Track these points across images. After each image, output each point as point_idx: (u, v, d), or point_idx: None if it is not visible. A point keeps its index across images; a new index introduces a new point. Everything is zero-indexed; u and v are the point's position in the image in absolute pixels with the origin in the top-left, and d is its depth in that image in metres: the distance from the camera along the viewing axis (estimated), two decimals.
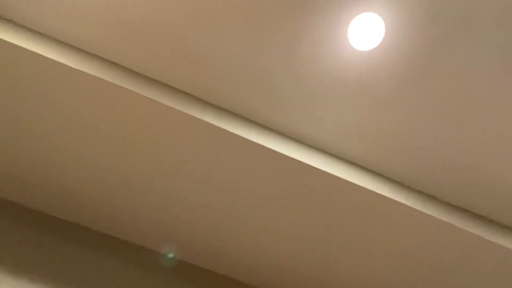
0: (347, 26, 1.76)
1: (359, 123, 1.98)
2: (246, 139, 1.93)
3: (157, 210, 2.20)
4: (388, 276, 2.37)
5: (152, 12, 1.76)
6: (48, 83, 1.84)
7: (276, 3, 1.71)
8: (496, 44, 1.74)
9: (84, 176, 2.11)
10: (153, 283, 2.16)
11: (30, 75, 1.81)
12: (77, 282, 2.00)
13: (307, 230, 2.23)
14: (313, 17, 1.74)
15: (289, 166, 2.00)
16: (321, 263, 2.39)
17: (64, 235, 2.14)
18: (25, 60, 1.77)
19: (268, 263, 2.46)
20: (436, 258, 2.25)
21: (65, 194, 2.16)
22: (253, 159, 1.99)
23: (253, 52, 1.83)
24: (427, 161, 2.05)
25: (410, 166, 2.08)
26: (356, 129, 2.00)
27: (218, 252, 2.43)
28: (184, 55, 1.86)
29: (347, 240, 2.23)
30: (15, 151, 2.07)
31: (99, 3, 1.75)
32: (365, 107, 1.94)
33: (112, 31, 1.81)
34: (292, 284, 2.57)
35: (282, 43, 1.80)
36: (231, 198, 2.13)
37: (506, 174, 2.05)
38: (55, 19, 1.79)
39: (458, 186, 2.11)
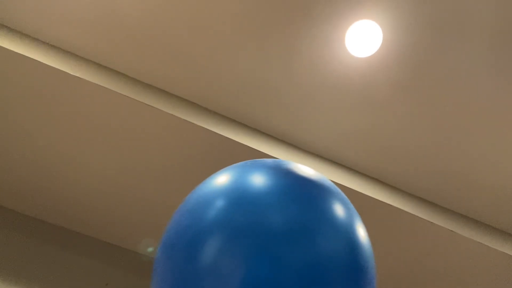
0: (345, 33, 1.77)
1: (357, 129, 1.95)
2: (243, 144, 1.91)
3: (154, 216, 2.19)
4: (383, 281, 2.35)
5: (149, 19, 1.73)
6: (44, 89, 1.79)
7: (274, 10, 1.69)
8: (492, 51, 1.72)
9: (81, 182, 2.08)
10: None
11: (27, 81, 1.77)
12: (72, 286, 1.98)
13: None
14: (311, 24, 1.73)
15: None
16: None
17: (60, 242, 2.11)
18: (22, 66, 1.73)
19: None
20: (433, 263, 2.23)
21: (60, 201, 2.14)
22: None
23: (252, 58, 1.81)
24: (424, 166, 2.02)
25: (407, 171, 2.04)
26: (353, 135, 1.97)
27: None
28: (182, 61, 1.82)
29: None
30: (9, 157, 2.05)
31: (96, 10, 1.71)
32: (362, 112, 1.91)
33: (110, 38, 1.77)
34: None
35: (280, 50, 1.78)
36: None
37: (503, 180, 2.02)
38: (51, 25, 1.76)
39: (456, 191, 2.08)
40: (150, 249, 2.21)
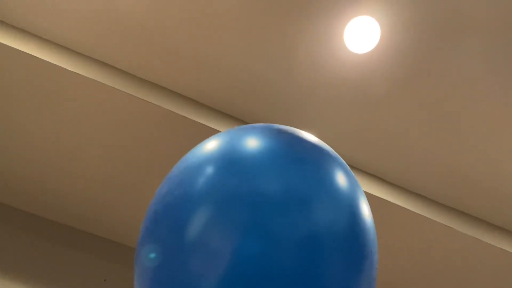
0: (343, 29, 1.77)
1: (355, 125, 1.94)
2: None
3: None
4: (381, 277, 2.35)
5: (148, 16, 1.72)
6: (43, 85, 1.78)
7: (272, 6, 1.68)
8: (491, 47, 1.71)
9: (79, 178, 2.08)
10: None
11: (25, 76, 1.76)
12: (67, 284, 1.97)
13: None
14: (309, 20, 1.70)
15: None
16: None
17: (58, 238, 2.10)
18: (19, 62, 1.73)
19: None
20: (432, 259, 2.19)
21: (53, 195, 2.11)
22: None
23: (251, 55, 1.79)
24: (422, 163, 2.00)
25: (405, 168, 2.03)
26: (351, 131, 1.95)
27: None
28: (181, 58, 1.82)
29: None
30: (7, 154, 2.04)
31: (94, 5, 1.70)
32: (361, 109, 1.90)
33: (107, 34, 1.77)
34: None
35: (278, 46, 1.77)
36: None
37: (501, 177, 2.00)
38: (49, 21, 1.75)
39: (454, 188, 2.06)
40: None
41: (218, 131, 1.89)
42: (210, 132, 1.89)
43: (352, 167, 2.06)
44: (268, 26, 1.74)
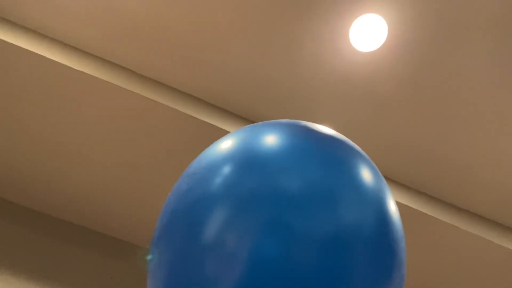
0: (349, 27, 1.76)
1: (361, 124, 1.93)
2: None
3: (160, 210, 2.18)
4: None
5: (153, 14, 1.71)
6: (47, 83, 1.78)
7: (278, 4, 1.67)
8: (499, 45, 1.70)
9: (86, 177, 2.08)
10: None
11: (33, 76, 1.76)
12: (74, 282, 1.97)
13: None
14: (315, 18, 1.69)
15: None
16: None
17: (66, 236, 2.10)
18: (23, 60, 1.73)
19: None
20: (437, 258, 2.19)
21: (61, 193, 2.12)
22: None
23: (255, 53, 1.79)
24: (428, 162, 2.00)
25: (411, 166, 2.02)
26: (356, 129, 1.94)
27: None
28: (185, 57, 1.81)
29: None
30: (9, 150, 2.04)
31: (99, 3, 1.70)
32: (367, 108, 1.89)
33: (114, 33, 1.76)
34: None
35: (284, 44, 1.76)
36: None
37: (507, 175, 1.99)
38: (54, 19, 1.74)
39: (461, 186, 2.06)
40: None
41: (224, 130, 1.89)
42: (215, 131, 1.88)
43: None
44: (274, 25, 1.73)
